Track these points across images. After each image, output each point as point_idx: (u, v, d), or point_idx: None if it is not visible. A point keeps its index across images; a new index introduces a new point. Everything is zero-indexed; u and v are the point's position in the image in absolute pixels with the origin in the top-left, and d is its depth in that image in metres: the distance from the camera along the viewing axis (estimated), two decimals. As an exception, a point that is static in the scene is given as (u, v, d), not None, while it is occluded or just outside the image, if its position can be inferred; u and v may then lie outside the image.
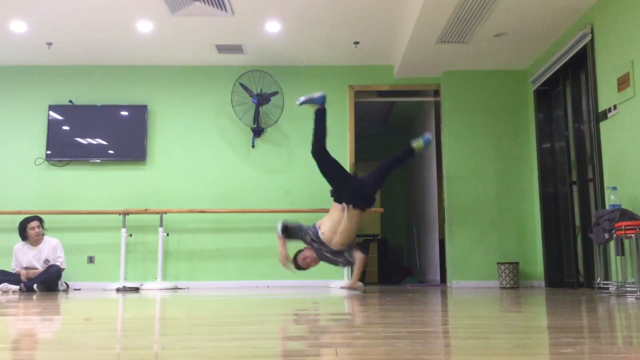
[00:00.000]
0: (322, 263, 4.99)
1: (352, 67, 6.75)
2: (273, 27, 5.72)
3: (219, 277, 6.40)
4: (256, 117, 6.48)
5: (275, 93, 6.44)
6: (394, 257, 9.58)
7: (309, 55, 6.47)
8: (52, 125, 6.57)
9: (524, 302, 3.47)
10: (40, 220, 5.88)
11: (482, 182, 6.35)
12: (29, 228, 5.78)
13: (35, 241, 5.81)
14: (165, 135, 6.65)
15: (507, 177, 6.36)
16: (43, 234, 5.90)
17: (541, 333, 1.82)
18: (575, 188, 5.46)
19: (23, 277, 5.62)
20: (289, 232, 4.78)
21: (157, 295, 4.84)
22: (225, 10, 5.32)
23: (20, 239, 5.87)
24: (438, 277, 6.97)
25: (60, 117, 6.60)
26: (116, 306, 3.33)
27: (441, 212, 6.73)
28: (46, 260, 5.77)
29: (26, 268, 5.74)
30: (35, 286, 5.49)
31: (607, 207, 4.30)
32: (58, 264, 5.76)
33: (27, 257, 5.77)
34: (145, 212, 6.25)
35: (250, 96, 6.46)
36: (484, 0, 4.84)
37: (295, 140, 6.60)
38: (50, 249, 5.83)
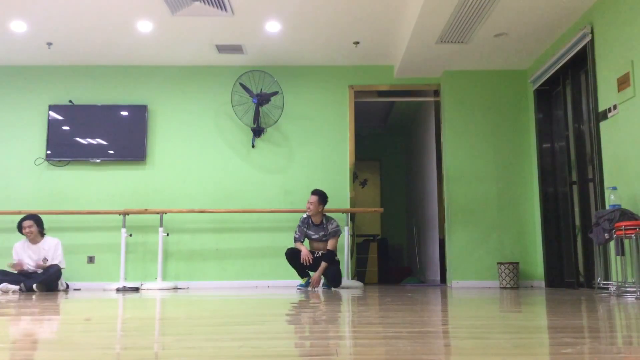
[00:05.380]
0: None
1: (352, 67, 6.75)
2: (273, 27, 5.72)
3: (219, 277, 6.40)
4: (256, 117, 6.48)
5: (275, 93, 6.44)
6: (394, 257, 9.58)
7: (309, 55, 6.46)
8: (52, 125, 6.57)
9: (524, 302, 3.47)
10: (36, 219, 5.92)
11: (482, 182, 6.35)
12: (23, 227, 5.87)
13: (33, 240, 5.88)
14: (165, 135, 6.65)
15: (507, 177, 6.36)
16: (43, 233, 5.95)
17: (541, 333, 1.82)
18: (575, 188, 5.45)
19: (15, 267, 5.69)
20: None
21: (157, 295, 4.84)
22: (225, 10, 5.32)
23: (21, 236, 5.96)
24: (438, 277, 6.97)
25: (60, 117, 6.60)
26: (116, 306, 3.33)
27: (441, 212, 6.73)
28: (44, 259, 5.80)
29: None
30: (35, 286, 5.51)
31: (607, 207, 4.30)
32: (57, 262, 5.80)
33: (26, 254, 5.83)
34: (145, 212, 6.25)
35: (250, 96, 6.46)
36: (484, 0, 4.84)
37: (295, 140, 6.60)
38: (50, 248, 5.89)
